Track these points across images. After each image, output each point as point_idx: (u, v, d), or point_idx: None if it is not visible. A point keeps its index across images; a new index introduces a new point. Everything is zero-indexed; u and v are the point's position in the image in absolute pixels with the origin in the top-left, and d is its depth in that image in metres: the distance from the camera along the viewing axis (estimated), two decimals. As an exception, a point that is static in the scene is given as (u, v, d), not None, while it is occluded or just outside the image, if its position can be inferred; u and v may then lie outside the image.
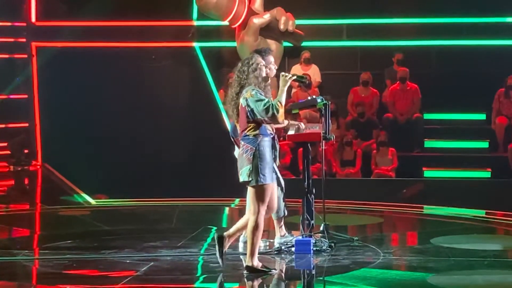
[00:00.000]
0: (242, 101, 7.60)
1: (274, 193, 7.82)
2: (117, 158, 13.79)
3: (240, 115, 7.67)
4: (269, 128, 7.68)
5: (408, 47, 14.73)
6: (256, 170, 7.53)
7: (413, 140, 14.29)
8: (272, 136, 7.72)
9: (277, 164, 7.96)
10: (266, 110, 7.50)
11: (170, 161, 13.71)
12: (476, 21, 14.33)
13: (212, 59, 14.60)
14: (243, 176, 7.61)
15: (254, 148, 7.57)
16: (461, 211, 11.67)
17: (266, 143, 7.62)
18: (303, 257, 8.46)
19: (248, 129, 7.60)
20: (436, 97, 14.35)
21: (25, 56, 14.85)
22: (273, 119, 7.54)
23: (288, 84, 7.73)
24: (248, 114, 7.58)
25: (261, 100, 7.52)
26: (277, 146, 7.81)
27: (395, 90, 14.57)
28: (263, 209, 7.63)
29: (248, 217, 7.71)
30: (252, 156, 7.55)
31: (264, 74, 7.68)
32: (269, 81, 7.78)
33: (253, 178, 7.55)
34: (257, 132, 7.59)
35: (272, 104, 7.49)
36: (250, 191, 7.68)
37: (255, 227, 7.60)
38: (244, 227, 7.83)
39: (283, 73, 7.83)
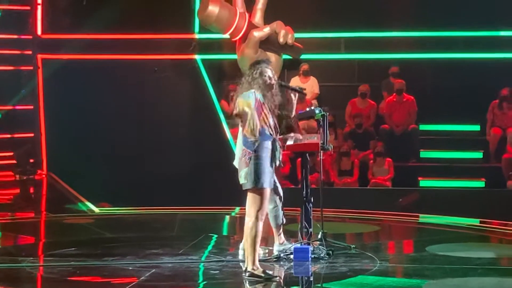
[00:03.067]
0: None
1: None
2: (121, 167, 13.87)
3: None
4: (269, 131, 7.72)
5: (404, 60, 14.84)
6: (252, 173, 7.57)
7: (409, 151, 14.38)
8: (271, 139, 7.74)
9: (277, 165, 7.87)
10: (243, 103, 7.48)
11: (172, 170, 13.76)
12: (470, 35, 14.46)
13: (214, 71, 14.75)
14: (241, 179, 7.66)
15: (252, 152, 7.62)
16: (456, 220, 11.71)
17: (264, 147, 7.66)
18: (301, 264, 8.52)
19: (246, 129, 7.62)
20: (432, 109, 14.45)
21: (31, 68, 14.94)
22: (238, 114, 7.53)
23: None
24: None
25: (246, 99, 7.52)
26: (279, 148, 7.81)
27: (392, 102, 14.65)
28: (260, 214, 7.63)
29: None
30: (249, 160, 7.60)
31: (268, 81, 7.72)
32: (274, 88, 7.84)
33: (249, 180, 7.59)
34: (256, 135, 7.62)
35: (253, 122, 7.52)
36: (248, 196, 7.69)
37: (252, 231, 7.61)
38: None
39: None
